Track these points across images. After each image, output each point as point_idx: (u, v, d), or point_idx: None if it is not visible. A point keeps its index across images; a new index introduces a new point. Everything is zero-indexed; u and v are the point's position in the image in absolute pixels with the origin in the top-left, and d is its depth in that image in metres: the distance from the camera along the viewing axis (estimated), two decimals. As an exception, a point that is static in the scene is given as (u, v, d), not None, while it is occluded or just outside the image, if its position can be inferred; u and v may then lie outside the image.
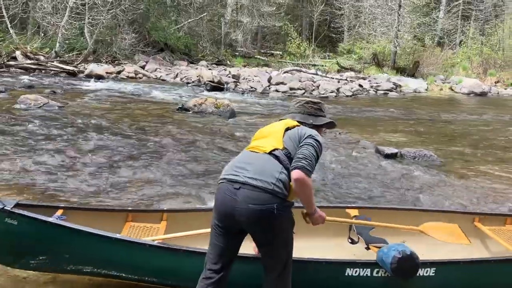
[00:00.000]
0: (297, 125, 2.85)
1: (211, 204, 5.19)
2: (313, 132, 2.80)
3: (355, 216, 3.63)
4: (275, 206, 2.51)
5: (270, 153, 2.66)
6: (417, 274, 3.03)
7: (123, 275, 3.01)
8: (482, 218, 4.04)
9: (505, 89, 22.22)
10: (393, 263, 2.95)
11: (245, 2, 28.01)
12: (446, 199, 6.07)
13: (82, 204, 4.91)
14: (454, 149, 9.28)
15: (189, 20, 26.31)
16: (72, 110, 10.63)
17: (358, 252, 3.57)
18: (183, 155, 7.27)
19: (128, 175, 6.16)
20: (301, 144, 2.68)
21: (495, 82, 23.75)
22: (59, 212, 3.34)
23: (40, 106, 10.59)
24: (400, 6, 23.58)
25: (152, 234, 3.42)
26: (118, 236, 2.96)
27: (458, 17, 31.10)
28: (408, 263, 2.97)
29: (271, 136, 2.79)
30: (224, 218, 2.62)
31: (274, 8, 27.80)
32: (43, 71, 17.09)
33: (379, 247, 3.29)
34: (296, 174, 2.53)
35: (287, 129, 2.80)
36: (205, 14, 27.15)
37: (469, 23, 31.68)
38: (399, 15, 23.58)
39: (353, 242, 3.51)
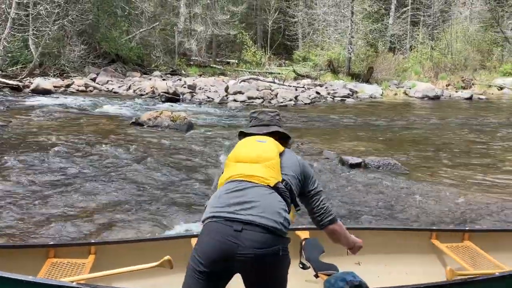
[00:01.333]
0: (284, 148, 2.55)
1: (149, 233, 4.78)
2: (300, 159, 2.58)
3: (305, 238, 3.34)
4: (280, 248, 2.19)
5: (274, 187, 2.32)
6: None
7: None
8: (439, 234, 3.83)
9: (456, 91, 22.87)
10: None
11: (198, 10, 27.59)
12: (411, 212, 5.90)
13: (9, 240, 4.36)
14: (417, 154, 9.23)
15: (141, 30, 25.61)
16: (16, 129, 9.86)
17: (310, 278, 3.28)
18: (134, 176, 6.76)
19: (67, 202, 5.60)
20: (314, 188, 2.56)
21: (446, 85, 24.42)
22: None
23: (-21, 126, 9.77)
24: (352, 13, 23.87)
25: (76, 271, 3.00)
26: (29, 278, 2.49)
27: (407, 23, 31.93)
28: None
29: (264, 162, 2.39)
30: (216, 264, 2.18)
31: (228, 17, 27.53)
32: (-17, 87, 15.99)
33: (328, 275, 3.02)
34: (332, 228, 2.58)
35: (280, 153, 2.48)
36: (157, 23, 26.51)
37: (418, 28, 32.59)
38: (352, 21, 23.86)
39: (304, 267, 3.16)
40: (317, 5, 27.50)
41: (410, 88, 21.94)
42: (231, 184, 2.31)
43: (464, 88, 24.01)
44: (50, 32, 18.21)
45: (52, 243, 3.34)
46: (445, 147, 10.07)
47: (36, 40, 18.47)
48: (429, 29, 31.71)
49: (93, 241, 3.49)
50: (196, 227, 5.00)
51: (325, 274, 3.08)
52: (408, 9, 32.71)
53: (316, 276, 3.15)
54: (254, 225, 2.14)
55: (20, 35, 18.14)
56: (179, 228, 5.10)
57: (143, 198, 5.89)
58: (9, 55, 17.98)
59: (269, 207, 2.22)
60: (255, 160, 2.38)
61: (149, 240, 3.51)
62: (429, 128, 12.73)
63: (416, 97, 20.48)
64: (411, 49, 31.11)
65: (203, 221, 2.26)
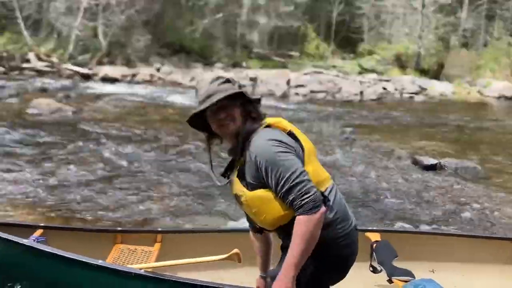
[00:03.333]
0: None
1: (223, 225, 4.67)
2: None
3: (376, 241, 3.15)
4: None
5: None
6: None
7: None
8: None
9: (537, 92, 21.13)
10: None
11: (262, 2, 27.32)
12: (491, 222, 5.32)
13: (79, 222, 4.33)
14: (498, 159, 8.46)
15: (204, 21, 25.74)
16: (86, 116, 10.08)
17: (381, 282, 3.05)
18: (203, 167, 6.61)
19: (137, 188, 5.56)
20: None
21: (524, 84, 22.65)
22: (38, 232, 2.90)
23: (53, 112, 10.06)
24: (423, 5, 22.67)
25: (142, 259, 3.00)
26: (99, 262, 2.46)
27: (481, 17, 30.01)
28: None
29: None
30: (347, 269, 2.14)
31: (292, 8, 27.07)
32: (56, 74, 16.63)
33: (405, 281, 2.80)
34: None
35: None
36: (220, 14, 26.55)
37: (494, 23, 30.56)
38: (423, 14, 22.67)
39: (375, 271, 3.00)
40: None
41: (484, 87, 20.52)
42: (335, 187, 2.05)
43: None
44: (118, 22, 18.62)
45: (119, 228, 3.32)
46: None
47: (105, 29, 18.98)
48: (506, 23, 29.60)
49: (159, 229, 3.42)
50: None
51: (400, 280, 2.90)
52: (483, 1, 30.75)
53: (390, 281, 2.96)
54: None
55: (91, 24, 18.69)
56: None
57: (213, 189, 5.72)
58: (80, 43, 18.60)
59: None
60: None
61: (215, 232, 3.44)
62: (509, 131, 11.75)
63: (491, 97, 19.12)
64: (485, 45, 29.24)
65: (341, 236, 2.00)
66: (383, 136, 9.69)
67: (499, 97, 18.92)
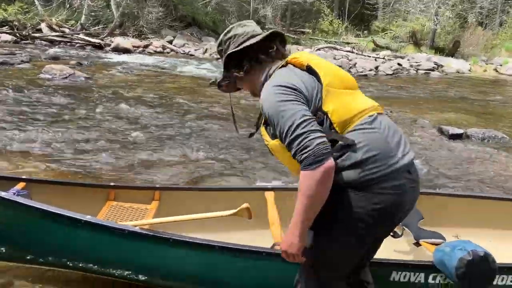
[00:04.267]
0: None
1: (230, 183, 4.46)
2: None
3: None
4: None
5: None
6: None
7: (96, 268, 2.28)
8: None
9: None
10: (459, 267, 2.10)
11: (276, -24, 26.80)
12: None
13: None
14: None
15: (218, -5, 25.32)
16: (100, 82, 9.94)
17: (402, 248, 2.84)
18: (217, 133, 6.46)
19: (159, 151, 5.43)
20: None
21: (541, 64, 22.14)
22: (20, 185, 2.61)
23: (66, 77, 9.93)
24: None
25: (138, 217, 2.68)
26: (87, 218, 2.19)
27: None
28: (481, 268, 2.11)
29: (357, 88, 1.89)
30: (395, 221, 1.84)
31: (306, -17, 26.55)
32: (68, 44, 16.46)
33: (436, 244, 2.53)
34: None
35: None
36: (234, -11, 26.09)
37: (511, 2, 29.81)
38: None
39: (395, 235, 2.72)
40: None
41: (501, 65, 20.09)
42: (376, 120, 1.77)
43: None
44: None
45: (113, 184, 2.99)
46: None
47: (118, 0, 18.71)
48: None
49: (157, 185, 3.12)
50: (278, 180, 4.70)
51: (430, 243, 2.67)
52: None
53: (417, 244, 2.73)
54: (413, 163, 1.82)
55: (103, -6, 18.44)
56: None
57: (227, 155, 5.57)
58: (92, 14, 18.36)
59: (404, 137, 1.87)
60: (356, 86, 1.87)
61: (219, 190, 3.11)
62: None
63: (508, 75, 18.71)
64: (501, 25, 28.59)
65: (373, 179, 1.69)
66: (403, 108, 9.48)
67: (516, 75, 18.51)
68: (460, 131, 7.21)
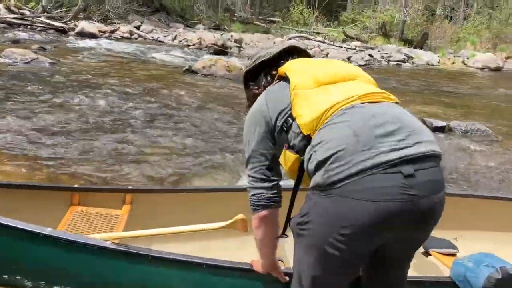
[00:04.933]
0: None
1: (213, 183, 4.05)
2: None
3: None
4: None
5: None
6: None
7: None
8: None
9: (519, 64, 21.21)
10: (488, 287, 1.83)
11: (245, -37, 26.33)
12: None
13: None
14: (505, 123, 8.22)
15: (186, -20, 24.65)
16: (66, 67, 9.33)
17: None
18: (194, 123, 6.11)
19: (131, 145, 5.01)
20: None
21: (505, 58, 22.73)
22: None
23: (28, 62, 9.27)
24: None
25: (108, 225, 2.32)
26: (47, 231, 1.81)
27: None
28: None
29: (362, 77, 1.60)
30: (382, 236, 1.39)
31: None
32: (28, 27, 15.53)
33: (448, 254, 2.35)
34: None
35: None
36: (202, -26, 25.47)
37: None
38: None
39: None
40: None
41: (468, 58, 20.46)
42: (350, 110, 1.42)
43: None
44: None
45: (76, 186, 2.57)
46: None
47: (82, -18, 17.84)
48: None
49: (130, 187, 2.69)
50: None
51: (442, 253, 2.46)
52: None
53: (427, 254, 2.50)
54: (426, 157, 1.35)
55: (66, -25, 17.50)
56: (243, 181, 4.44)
57: (204, 146, 5.23)
58: (54, -4, 17.43)
59: (419, 126, 1.45)
60: (351, 77, 1.57)
61: (203, 191, 2.68)
62: (504, 99, 11.58)
63: (475, 67, 19.06)
64: (465, 19, 29.21)
65: (336, 182, 1.33)
66: (380, 99, 9.35)
67: (483, 68, 18.87)
68: (443, 123, 7.11)
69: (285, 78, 1.60)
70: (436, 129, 6.94)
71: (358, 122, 1.38)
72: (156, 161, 4.57)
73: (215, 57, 12.21)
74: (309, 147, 1.43)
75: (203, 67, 9.99)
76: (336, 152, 1.34)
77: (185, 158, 4.76)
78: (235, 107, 7.21)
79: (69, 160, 4.29)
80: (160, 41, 16.91)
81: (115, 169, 4.23)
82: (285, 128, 1.53)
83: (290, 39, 20.54)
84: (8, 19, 15.55)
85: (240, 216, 1.93)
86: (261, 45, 17.63)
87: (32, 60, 9.41)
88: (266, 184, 1.59)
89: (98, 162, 4.33)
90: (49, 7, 17.39)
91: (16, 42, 11.93)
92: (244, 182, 4.29)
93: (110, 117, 5.93)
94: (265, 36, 21.97)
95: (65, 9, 17.72)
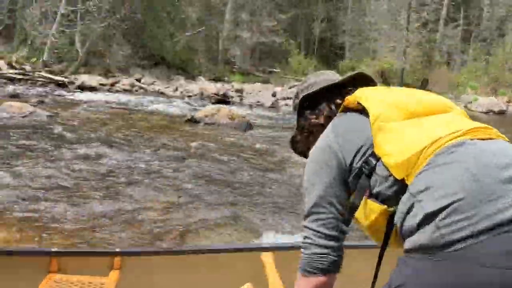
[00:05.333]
0: None
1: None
2: None
3: None
4: None
5: None
6: None
7: None
8: None
9: (521, 108, 21.16)
10: None
11: (245, 17, 26.90)
12: None
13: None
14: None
15: (186, 34, 25.05)
16: (64, 120, 9.07)
17: None
18: (198, 174, 5.75)
19: (119, 200, 4.60)
20: None
21: (507, 101, 22.74)
22: None
23: (26, 115, 9.02)
24: (408, 21, 22.64)
25: None
26: None
27: (458, 37, 30.39)
28: None
29: (455, 110, 1.25)
30: None
31: (275, 23, 26.75)
32: (29, 82, 15.47)
33: None
34: None
35: None
36: (202, 28, 25.92)
37: (469, 44, 31.05)
38: (408, 30, 22.62)
39: None
40: (368, 14, 26.41)
41: (470, 102, 20.42)
42: (461, 148, 1.05)
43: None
44: (98, 29, 17.69)
45: (55, 250, 2.19)
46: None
47: (83, 37, 18.01)
48: (484, 44, 30.07)
49: (117, 249, 2.31)
50: (279, 237, 3.93)
51: None
52: (459, 23, 31.20)
53: None
54: None
55: (68, 31, 17.70)
56: (261, 239, 4.02)
57: (210, 199, 4.83)
58: (56, 51, 17.54)
59: None
60: (445, 108, 1.24)
61: (201, 252, 2.33)
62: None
63: (479, 112, 18.96)
64: (463, 65, 29.61)
65: (454, 242, 0.93)
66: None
67: (487, 112, 18.76)
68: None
69: (355, 109, 1.28)
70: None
71: (475, 163, 1.01)
72: (152, 218, 4.16)
73: (217, 106, 12.02)
74: (406, 196, 1.04)
75: (206, 116, 9.75)
76: (454, 202, 0.94)
77: (185, 213, 4.35)
78: (240, 157, 6.88)
79: (52, 219, 3.88)
80: (161, 93, 16.87)
81: (104, 229, 3.81)
82: (365, 171, 1.15)
83: (290, 87, 20.57)
84: (8, 74, 15.54)
85: (247, 285, 1.64)
86: (299, 83, 17.60)
87: (30, 113, 9.17)
88: (333, 243, 1.24)
89: (84, 221, 3.91)
90: (50, 62, 17.46)
91: (15, 97, 11.77)
92: (252, 240, 3.86)
93: (105, 171, 5.56)
94: (265, 85, 22.07)
95: (66, 64, 17.79)
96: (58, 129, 8.01)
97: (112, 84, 16.56)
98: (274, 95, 17.23)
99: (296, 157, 6.21)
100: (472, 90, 24.60)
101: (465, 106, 20.11)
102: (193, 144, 7.51)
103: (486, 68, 27.65)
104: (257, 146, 8.00)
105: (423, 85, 23.52)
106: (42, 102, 11.21)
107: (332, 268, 1.23)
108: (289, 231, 4.05)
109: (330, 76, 1.49)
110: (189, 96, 16.03)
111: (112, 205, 4.34)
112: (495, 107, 18.91)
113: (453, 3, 29.93)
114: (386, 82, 24.12)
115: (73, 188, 4.74)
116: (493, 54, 29.05)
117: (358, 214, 1.18)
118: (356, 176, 1.17)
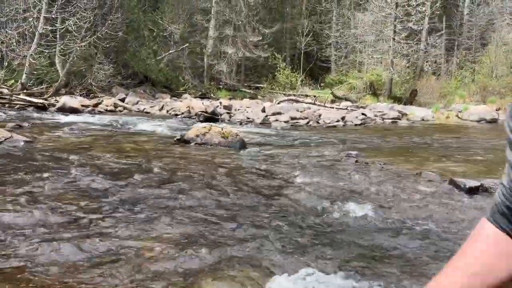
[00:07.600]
0: None
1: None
2: None
3: None
4: None
5: None
6: None
7: None
8: None
9: (511, 116, 20.92)
10: None
11: (228, 32, 26.50)
12: None
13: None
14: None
15: (170, 52, 24.52)
16: (42, 145, 8.37)
17: None
18: (193, 202, 5.11)
19: (106, 236, 3.95)
20: None
21: (496, 109, 22.55)
22: None
23: (1, 142, 8.29)
24: (395, 31, 22.45)
25: None
26: None
27: (441, 48, 30.39)
28: None
29: None
30: None
31: (260, 38, 26.40)
32: (6, 105, 14.71)
33: None
34: None
35: None
36: (186, 45, 25.43)
37: (453, 53, 31.09)
38: (395, 40, 22.41)
39: None
40: (354, 26, 26.22)
41: (461, 111, 20.15)
42: None
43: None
44: (78, 48, 17.02)
45: None
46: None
47: (63, 58, 17.32)
48: (470, 53, 30.12)
49: None
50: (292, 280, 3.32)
51: None
52: (442, 32, 31.24)
53: None
54: None
55: (47, 51, 16.99)
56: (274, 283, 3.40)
57: (210, 232, 4.19)
58: (35, 73, 16.80)
59: None
60: None
61: None
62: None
63: (471, 120, 18.66)
64: (447, 74, 29.53)
65: None
66: (392, 159, 8.52)
67: (479, 121, 18.46)
68: (476, 183, 6.22)
69: None
70: (470, 191, 6.04)
71: None
72: (141, 258, 3.51)
73: (207, 124, 11.40)
74: None
75: (197, 136, 9.13)
76: None
77: (180, 253, 3.70)
78: (240, 181, 6.26)
79: (27, 265, 3.21)
80: (146, 112, 16.21)
81: (84, 274, 3.16)
82: None
83: (279, 102, 20.09)
84: (-16, 99, 14.76)
85: None
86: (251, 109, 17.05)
87: (5, 139, 8.44)
88: None
89: (60, 267, 3.25)
90: (29, 84, 16.70)
91: (-10, 121, 11.02)
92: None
93: (84, 202, 4.88)
94: (253, 101, 21.57)
95: (45, 86, 17.05)
96: (34, 155, 7.31)
97: (95, 105, 15.86)
98: (263, 110, 16.71)
99: (302, 179, 5.56)
100: (461, 99, 24.44)
101: (457, 115, 19.85)
102: (183, 167, 6.87)
103: (472, 76, 27.64)
104: (256, 166, 7.39)
105: (413, 95, 23.27)
106: (19, 126, 10.47)
107: None
108: (304, 274, 3.43)
109: None
110: (176, 115, 15.40)
111: (95, 245, 3.68)
112: (487, 116, 18.64)
113: (433, 15, 30.01)
114: (375, 94, 23.84)
115: (49, 226, 4.07)
116: (478, 62, 29.08)
117: None
118: None
